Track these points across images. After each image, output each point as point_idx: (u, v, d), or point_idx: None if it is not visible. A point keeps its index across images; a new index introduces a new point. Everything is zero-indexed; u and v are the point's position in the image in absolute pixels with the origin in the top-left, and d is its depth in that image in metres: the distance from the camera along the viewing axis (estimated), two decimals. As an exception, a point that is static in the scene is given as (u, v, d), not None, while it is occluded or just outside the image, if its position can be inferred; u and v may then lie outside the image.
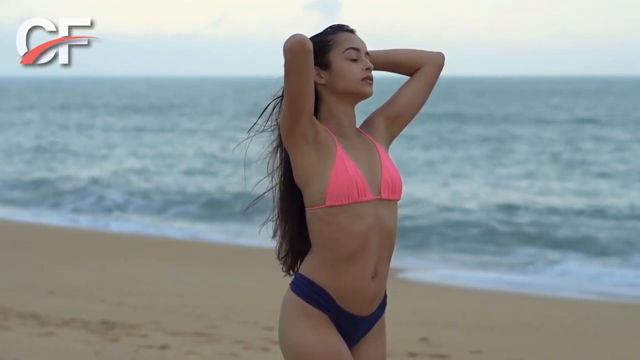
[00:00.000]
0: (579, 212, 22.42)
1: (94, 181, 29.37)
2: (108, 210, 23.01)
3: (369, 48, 3.65)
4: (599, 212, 22.35)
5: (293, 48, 3.31)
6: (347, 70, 3.52)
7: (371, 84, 3.56)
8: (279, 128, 3.57)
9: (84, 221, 21.32)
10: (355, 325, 3.58)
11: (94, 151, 40.83)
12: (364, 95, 3.56)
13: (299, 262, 3.65)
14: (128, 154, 39.58)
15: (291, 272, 3.67)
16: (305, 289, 3.51)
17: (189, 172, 32.42)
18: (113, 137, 48.96)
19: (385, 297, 3.69)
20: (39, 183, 28.60)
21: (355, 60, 3.54)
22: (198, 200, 24.35)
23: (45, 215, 22.17)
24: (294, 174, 3.52)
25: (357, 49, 3.55)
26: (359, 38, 3.60)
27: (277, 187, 3.63)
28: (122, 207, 23.37)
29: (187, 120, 63.98)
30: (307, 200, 3.51)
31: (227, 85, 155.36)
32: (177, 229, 20.36)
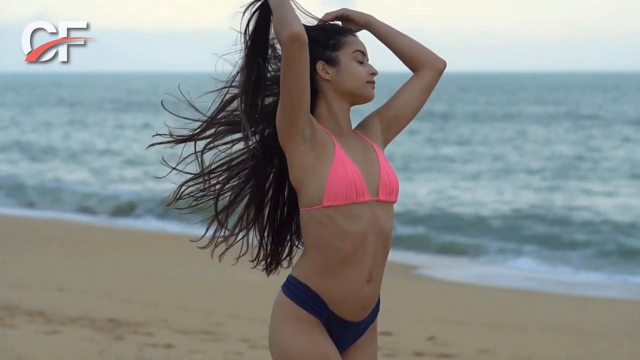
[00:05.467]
0: (592, 212, 22.34)
1: (104, 178, 29.43)
2: (119, 207, 23.01)
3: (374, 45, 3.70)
4: (610, 212, 22.26)
5: (291, 40, 3.31)
6: (354, 70, 3.51)
7: (374, 88, 3.57)
8: (266, 129, 3.56)
9: (96, 218, 21.35)
10: (347, 331, 3.53)
11: (103, 148, 40.91)
12: (366, 98, 3.55)
13: (279, 261, 3.68)
14: (138, 150, 39.63)
15: (273, 271, 3.69)
16: (298, 292, 3.47)
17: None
18: (126, 134, 49.05)
19: (378, 302, 3.62)
20: (48, 180, 28.65)
21: (361, 64, 3.54)
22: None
23: (55, 212, 22.20)
24: (290, 174, 3.47)
25: (364, 53, 3.57)
26: (364, 45, 3.61)
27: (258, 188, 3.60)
28: (132, 204, 23.36)
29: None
30: (302, 201, 3.46)
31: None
32: (187, 226, 20.32)
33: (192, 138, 3.64)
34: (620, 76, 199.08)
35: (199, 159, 3.63)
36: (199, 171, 3.64)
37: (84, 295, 11.30)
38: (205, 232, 3.67)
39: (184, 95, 3.68)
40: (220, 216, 3.64)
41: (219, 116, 3.63)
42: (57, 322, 9.38)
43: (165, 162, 3.70)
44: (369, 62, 3.59)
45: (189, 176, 3.66)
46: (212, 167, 3.63)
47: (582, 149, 38.41)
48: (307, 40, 3.33)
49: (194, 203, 3.69)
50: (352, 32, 3.60)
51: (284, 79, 3.36)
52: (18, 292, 11.25)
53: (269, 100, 3.60)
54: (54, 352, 8.11)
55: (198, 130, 3.63)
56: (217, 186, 3.64)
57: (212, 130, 3.64)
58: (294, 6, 3.43)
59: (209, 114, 3.65)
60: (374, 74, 3.55)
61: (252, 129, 3.56)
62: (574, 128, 50.26)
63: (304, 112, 3.40)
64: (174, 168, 3.68)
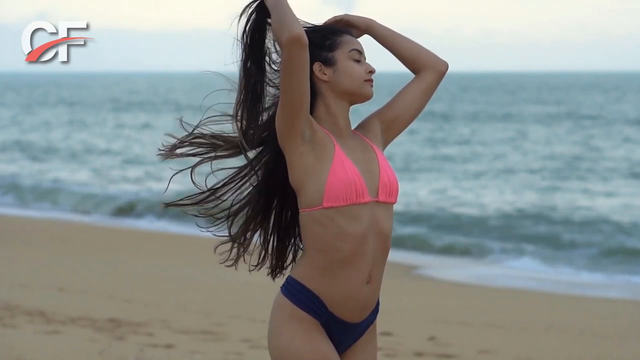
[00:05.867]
0: (592, 212, 22.33)
1: (104, 178, 29.43)
2: (119, 207, 22.97)
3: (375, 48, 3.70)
4: (611, 212, 22.25)
5: (292, 42, 3.29)
6: (352, 69, 3.51)
7: (372, 86, 3.55)
8: (264, 130, 3.55)
9: (96, 218, 21.34)
10: (346, 332, 3.52)
11: (103, 148, 40.90)
12: (365, 97, 3.54)
13: (284, 265, 3.66)
14: (138, 150, 39.61)
15: (278, 275, 3.68)
16: (297, 293, 3.46)
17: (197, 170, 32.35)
18: (126, 134, 49.05)
19: (378, 303, 3.61)
20: (48, 180, 28.65)
21: (358, 62, 3.53)
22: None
23: (55, 212, 22.19)
24: (289, 175, 3.46)
25: (360, 52, 3.56)
26: (360, 44, 3.61)
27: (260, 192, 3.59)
28: (132, 204, 23.33)
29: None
30: (302, 202, 3.45)
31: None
32: (189, 225, 20.33)
33: (174, 148, 3.64)
34: (622, 76, 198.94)
35: (192, 176, 3.64)
36: (202, 189, 3.63)
37: (85, 295, 11.29)
38: (230, 254, 3.65)
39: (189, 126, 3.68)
40: (239, 236, 3.62)
41: (214, 134, 3.62)
42: (58, 322, 9.37)
43: (167, 203, 3.69)
44: (367, 61, 3.58)
45: (196, 191, 3.65)
46: (219, 185, 3.62)
47: (582, 149, 38.41)
48: (307, 42, 3.32)
49: (214, 222, 3.67)
50: (348, 32, 3.59)
51: (284, 81, 3.35)
52: (18, 292, 11.24)
53: (267, 110, 3.59)
54: (54, 352, 8.10)
55: (179, 143, 3.64)
56: (233, 208, 3.61)
57: (206, 148, 3.63)
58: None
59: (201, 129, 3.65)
60: (372, 72, 3.55)
61: (251, 149, 3.57)
62: (575, 128, 50.25)
63: (304, 113, 3.39)
64: (170, 205, 3.66)
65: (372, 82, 3.55)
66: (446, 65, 3.75)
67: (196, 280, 12.90)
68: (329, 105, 3.52)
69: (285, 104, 3.37)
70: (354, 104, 3.56)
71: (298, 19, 3.38)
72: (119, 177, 29.94)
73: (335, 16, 3.68)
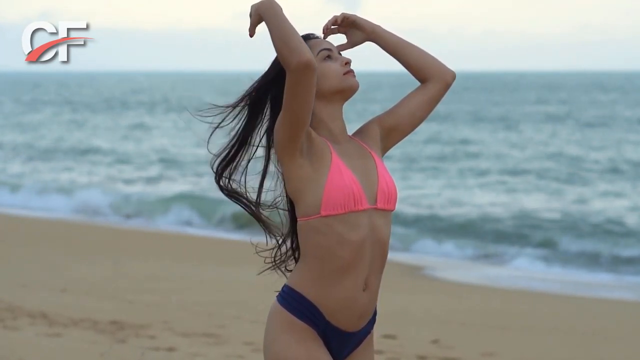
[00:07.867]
0: (596, 212, 22.34)
1: (105, 178, 29.45)
2: (122, 207, 22.98)
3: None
4: (616, 212, 22.24)
5: (303, 68, 3.26)
6: (326, 69, 3.48)
7: (354, 76, 3.52)
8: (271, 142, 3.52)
9: (98, 218, 21.33)
10: (343, 341, 3.50)
11: (104, 148, 40.95)
12: (351, 89, 3.51)
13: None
14: (139, 150, 39.64)
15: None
16: (293, 302, 3.43)
17: (199, 171, 32.42)
18: (128, 133, 49.12)
19: (375, 313, 3.59)
20: (48, 180, 28.67)
21: (330, 60, 3.49)
22: (210, 197, 24.31)
23: (57, 212, 22.18)
24: (287, 185, 3.46)
25: (330, 49, 3.52)
26: (328, 41, 3.57)
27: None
28: (134, 205, 23.32)
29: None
30: (300, 211, 3.43)
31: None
32: (190, 226, 20.32)
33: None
34: (625, 76, 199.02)
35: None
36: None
37: (87, 296, 11.27)
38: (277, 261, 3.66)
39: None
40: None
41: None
42: (59, 324, 9.35)
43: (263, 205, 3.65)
44: (341, 54, 3.55)
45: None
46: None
47: (586, 149, 38.42)
48: (316, 66, 3.30)
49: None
50: (311, 37, 3.55)
51: (291, 102, 3.31)
52: (20, 292, 11.23)
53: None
54: (55, 354, 8.09)
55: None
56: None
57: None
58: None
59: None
60: (348, 63, 3.51)
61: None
62: (579, 128, 50.26)
63: (305, 129, 3.38)
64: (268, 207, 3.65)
65: (352, 73, 3.51)
66: (453, 76, 3.70)
67: (198, 281, 12.88)
68: (319, 113, 3.49)
69: (289, 121, 3.34)
70: (345, 99, 3.53)
71: (302, 39, 3.31)
72: (121, 177, 29.93)
73: (343, 13, 3.64)
